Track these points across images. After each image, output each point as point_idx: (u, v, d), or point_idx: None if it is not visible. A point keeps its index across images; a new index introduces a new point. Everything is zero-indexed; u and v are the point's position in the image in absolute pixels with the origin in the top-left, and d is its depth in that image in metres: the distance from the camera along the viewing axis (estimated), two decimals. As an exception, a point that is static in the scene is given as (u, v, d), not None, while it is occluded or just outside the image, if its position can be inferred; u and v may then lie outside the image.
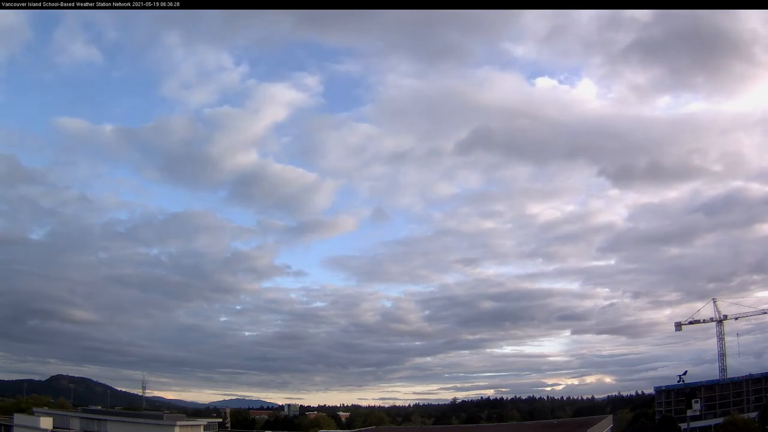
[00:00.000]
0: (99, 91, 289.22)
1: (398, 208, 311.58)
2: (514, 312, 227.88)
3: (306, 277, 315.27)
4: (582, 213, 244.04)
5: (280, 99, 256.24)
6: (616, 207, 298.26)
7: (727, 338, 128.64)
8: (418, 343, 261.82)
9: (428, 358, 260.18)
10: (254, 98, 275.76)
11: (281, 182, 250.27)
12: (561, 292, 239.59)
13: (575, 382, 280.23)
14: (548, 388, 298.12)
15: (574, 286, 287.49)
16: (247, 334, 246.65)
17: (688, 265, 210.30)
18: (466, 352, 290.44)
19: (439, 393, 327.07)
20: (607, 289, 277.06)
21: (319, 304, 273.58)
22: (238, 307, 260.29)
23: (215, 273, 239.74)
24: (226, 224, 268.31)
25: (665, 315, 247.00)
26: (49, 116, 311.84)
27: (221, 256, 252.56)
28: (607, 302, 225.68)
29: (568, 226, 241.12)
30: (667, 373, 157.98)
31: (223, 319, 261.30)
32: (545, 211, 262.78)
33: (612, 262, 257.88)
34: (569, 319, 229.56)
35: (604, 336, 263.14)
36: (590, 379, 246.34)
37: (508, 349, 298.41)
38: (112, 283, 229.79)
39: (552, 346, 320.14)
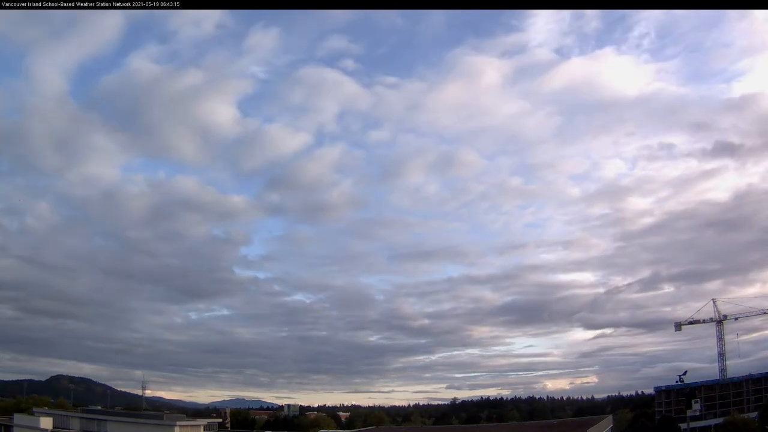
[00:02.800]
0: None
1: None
2: (518, 308, 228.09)
3: (303, 270, 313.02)
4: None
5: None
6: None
7: (727, 338, 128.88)
8: (420, 340, 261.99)
9: (430, 356, 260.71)
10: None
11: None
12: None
13: (575, 381, 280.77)
14: (548, 387, 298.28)
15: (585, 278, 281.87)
16: (245, 331, 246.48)
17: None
18: (467, 350, 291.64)
19: (440, 393, 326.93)
20: (614, 281, 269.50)
21: (317, 299, 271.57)
22: (232, 301, 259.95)
23: (208, 263, 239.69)
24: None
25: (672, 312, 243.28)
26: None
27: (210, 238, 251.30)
28: (612, 296, 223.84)
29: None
30: (667, 372, 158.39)
31: (218, 315, 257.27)
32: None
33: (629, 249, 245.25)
34: (574, 314, 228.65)
35: (603, 333, 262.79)
36: (590, 379, 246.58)
37: (508, 349, 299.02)
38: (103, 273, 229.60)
39: (553, 344, 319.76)
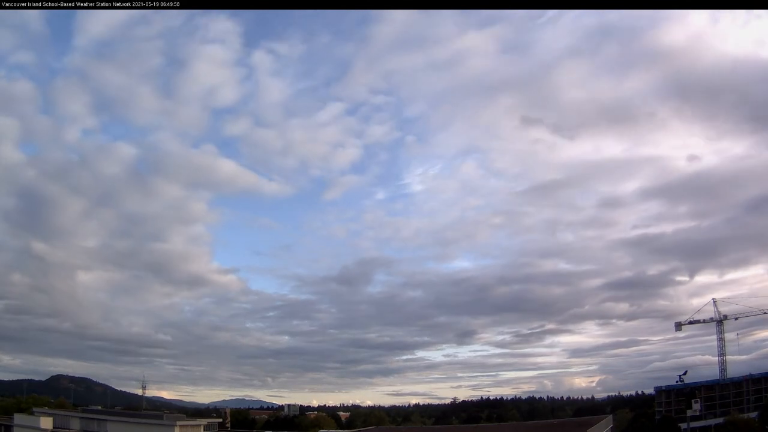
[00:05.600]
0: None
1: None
2: (521, 303, 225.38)
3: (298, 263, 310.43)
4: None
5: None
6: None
7: (728, 338, 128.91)
8: (419, 338, 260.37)
9: (431, 355, 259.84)
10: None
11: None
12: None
13: (576, 380, 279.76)
14: (548, 387, 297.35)
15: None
16: (245, 330, 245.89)
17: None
18: (468, 348, 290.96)
19: (440, 392, 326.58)
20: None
21: (317, 296, 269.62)
22: (230, 298, 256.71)
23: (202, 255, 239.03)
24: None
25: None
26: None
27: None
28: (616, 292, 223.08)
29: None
30: (668, 372, 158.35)
31: (217, 313, 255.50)
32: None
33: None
34: (578, 310, 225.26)
35: (603, 333, 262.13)
36: (590, 378, 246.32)
37: (506, 349, 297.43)
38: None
39: (553, 342, 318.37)
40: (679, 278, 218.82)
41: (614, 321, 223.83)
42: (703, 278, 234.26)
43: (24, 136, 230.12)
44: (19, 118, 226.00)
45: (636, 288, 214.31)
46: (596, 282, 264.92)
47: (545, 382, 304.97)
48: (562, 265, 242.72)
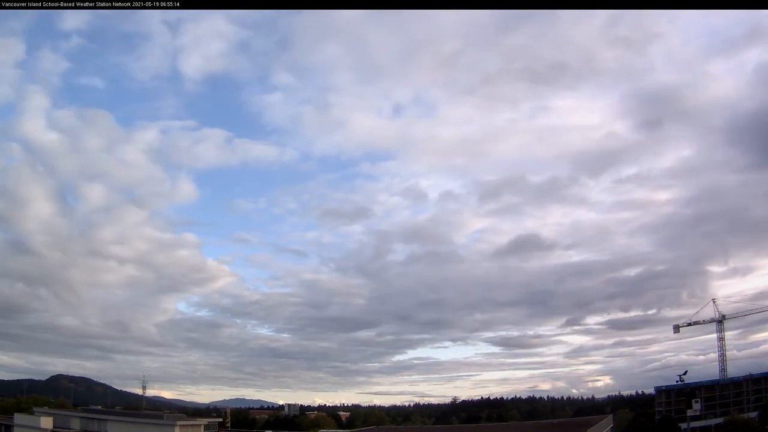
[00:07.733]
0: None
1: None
2: (523, 300, 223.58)
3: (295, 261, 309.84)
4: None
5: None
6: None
7: (728, 337, 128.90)
8: (419, 336, 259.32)
9: (431, 355, 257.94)
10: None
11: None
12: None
13: (575, 380, 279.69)
14: (549, 387, 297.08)
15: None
16: (244, 330, 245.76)
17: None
18: (468, 348, 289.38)
19: (440, 392, 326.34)
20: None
21: (312, 292, 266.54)
22: (228, 297, 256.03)
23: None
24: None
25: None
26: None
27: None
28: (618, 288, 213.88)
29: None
30: (668, 372, 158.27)
31: (216, 313, 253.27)
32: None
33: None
34: (579, 308, 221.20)
35: (602, 333, 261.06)
36: (591, 378, 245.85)
37: (506, 349, 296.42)
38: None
39: (552, 342, 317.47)
40: (690, 273, 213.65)
41: (616, 319, 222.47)
42: (717, 272, 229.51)
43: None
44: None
45: (641, 284, 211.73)
46: (603, 278, 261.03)
47: (547, 381, 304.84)
48: (575, 257, 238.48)
